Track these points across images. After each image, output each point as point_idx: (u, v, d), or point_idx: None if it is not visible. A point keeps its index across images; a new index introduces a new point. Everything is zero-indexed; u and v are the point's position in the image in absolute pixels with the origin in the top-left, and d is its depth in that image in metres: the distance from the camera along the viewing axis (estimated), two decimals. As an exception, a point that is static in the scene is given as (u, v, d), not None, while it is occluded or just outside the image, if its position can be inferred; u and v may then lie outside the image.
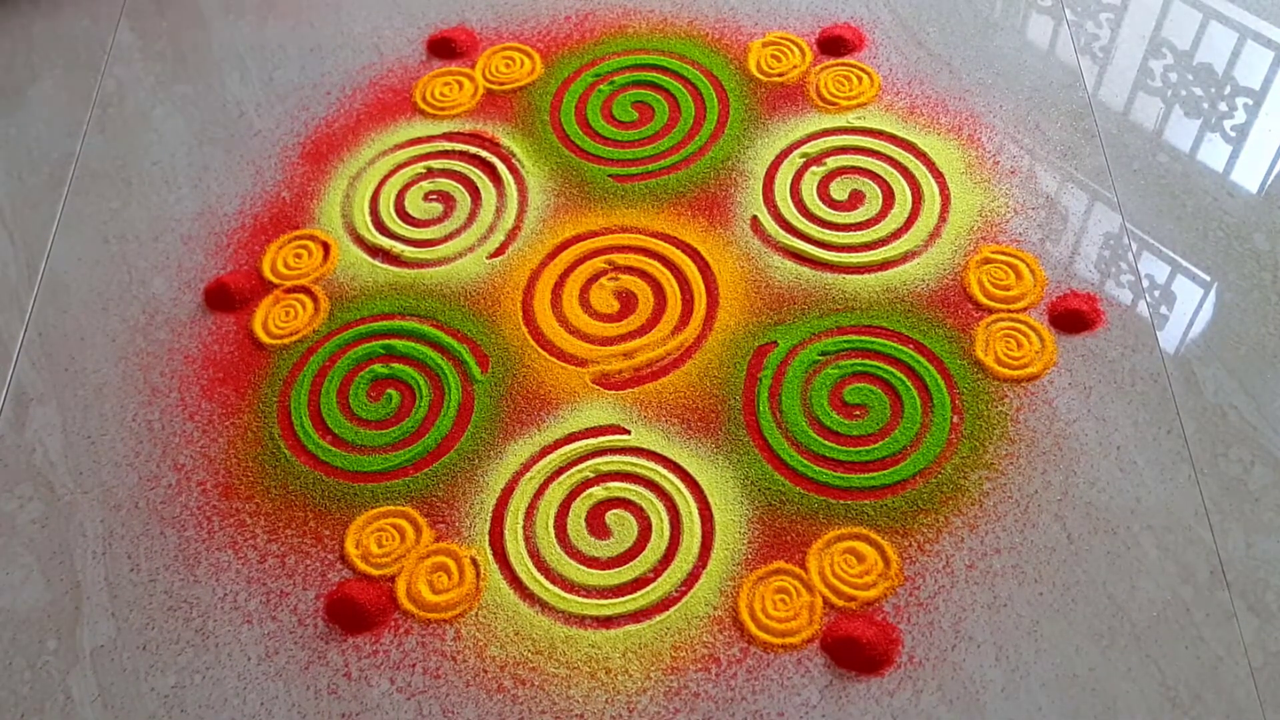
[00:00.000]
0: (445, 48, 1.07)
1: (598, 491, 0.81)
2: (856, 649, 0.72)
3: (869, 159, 0.96)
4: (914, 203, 0.94)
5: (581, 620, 0.75)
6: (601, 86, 1.03)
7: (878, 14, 1.07)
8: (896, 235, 0.92)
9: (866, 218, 0.93)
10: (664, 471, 0.81)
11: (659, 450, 0.82)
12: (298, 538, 0.80)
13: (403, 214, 0.97)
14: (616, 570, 0.77)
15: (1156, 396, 0.82)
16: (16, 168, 1.03)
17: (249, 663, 0.75)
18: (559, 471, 0.82)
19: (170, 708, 0.73)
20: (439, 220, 0.96)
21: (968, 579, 0.75)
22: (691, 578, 0.77)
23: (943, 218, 0.93)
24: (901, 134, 0.98)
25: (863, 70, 1.02)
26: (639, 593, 0.76)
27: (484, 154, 0.99)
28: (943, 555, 0.76)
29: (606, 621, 0.75)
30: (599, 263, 0.92)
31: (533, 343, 0.88)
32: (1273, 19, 1.05)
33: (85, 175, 1.02)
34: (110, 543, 0.80)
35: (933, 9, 1.07)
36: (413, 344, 0.89)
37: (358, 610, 0.76)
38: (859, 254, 0.91)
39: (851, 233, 0.92)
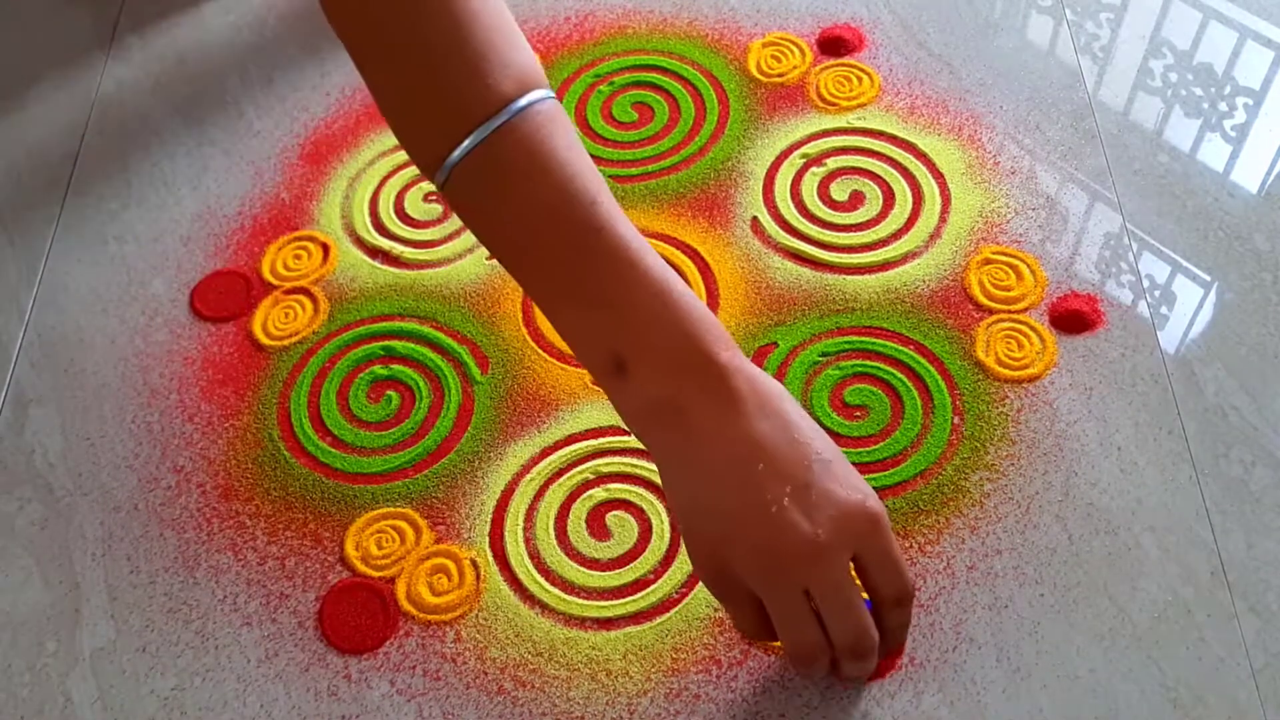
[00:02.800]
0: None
1: (598, 493, 0.81)
2: (857, 650, 0.72)
3: (869, 159, 0.96)
4: (914, 203, 0.93)
5: (582, 622, 0.75)
6: (601, 87, 1.03)
7: (878, 14, 1.06)
8: (897, 236, 0.92)
9: (867, 218, 0.93)
10: (664, 473, 0.81)
11: (659, 451, 0.82)
12: (297, 540, 0.80)
13: (402, 215, 0.96)
14: (617, 572, 0.77)
15: (1157, 397, 0.82)
16: (16, 168, 1.03)
17: (249, 665, 0.75)
18: (559, 473, 0.82)
19: (170, 710, 0.73)
20: (439, 221, 0.96)
21: (969, 580, 0.75)
22: (692, 579, 0.76)
23: (943, 218, 0.92)
24: (902, 134, 0.98)
25: (863, 71, 1.02)
26: (640, 594, 0.76)
27: (484, 155, 0.99)
28: (943, 556, 0.76)
29: (607, 623, 0.75)
30: (599, 264, 0.92)
31: (533, 344, 0.88)
32: (1273, 19, 1.05)
33: (85, 176, 1.01)
34: (110, 545, 0.80)
35: (933, 9, 1.07)
36: (412, 345, 0.89)
37: (358, 612, 0.76)
38: (859, 255, 0.91)
39: (852, 233, 0.92)
